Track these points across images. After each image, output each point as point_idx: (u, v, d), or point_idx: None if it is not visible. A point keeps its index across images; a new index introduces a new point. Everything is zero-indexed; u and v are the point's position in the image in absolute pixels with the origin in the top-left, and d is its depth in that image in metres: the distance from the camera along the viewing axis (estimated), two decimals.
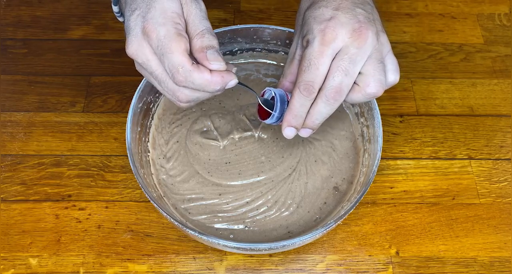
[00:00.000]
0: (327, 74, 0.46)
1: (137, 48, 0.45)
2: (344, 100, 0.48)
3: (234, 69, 0.48)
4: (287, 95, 0.50)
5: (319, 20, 0.47)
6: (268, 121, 0.51)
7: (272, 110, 0.50)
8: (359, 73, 0.47)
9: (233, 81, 0.46)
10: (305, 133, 0.51)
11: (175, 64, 0.44)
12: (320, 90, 0.47)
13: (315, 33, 0.46)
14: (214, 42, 0.46)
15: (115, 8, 0.51)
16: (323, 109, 0.48)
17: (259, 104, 0.52)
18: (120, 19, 0.52)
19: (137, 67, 0.48)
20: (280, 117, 0.50)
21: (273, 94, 0.50)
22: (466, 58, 0.75)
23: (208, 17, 0.47)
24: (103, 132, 0.67)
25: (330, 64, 0.46)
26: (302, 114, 0.48)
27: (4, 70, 0.72)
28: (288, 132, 0.50)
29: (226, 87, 0.46)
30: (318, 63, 0.46)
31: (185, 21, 0.46)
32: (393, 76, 0.49)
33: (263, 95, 0.52)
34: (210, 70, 0.45)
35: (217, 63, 0.45)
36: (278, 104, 0.50)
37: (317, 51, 0.46)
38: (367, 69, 0.47)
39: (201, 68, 0.44)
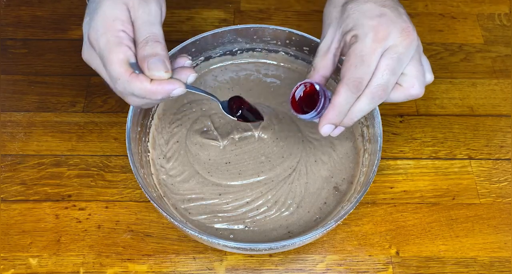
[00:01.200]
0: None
1: (88, 55, 0.46)
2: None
3: (188, 63, 0.47)
4: (325, 91, 0.48)
5: (369, 16, 0.46)
6: (306, 116, 0.48)
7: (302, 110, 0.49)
8: (401, 73, 0.47)
9: (178, 90, 0.45)
10: (338, 131, 0.49)
11: (113, 76, 0.44)
12: (365, 88, 0.46)
13: (366, 29, 0.46)
14: (158, 49, 0.44)
15: None
16: (366, 107, 0.47)
17: (293, 97, 0.49)
18: None
19: None
20: (318, 114, 0.48)
21: (317, 89, 0.48)
22: (466, 58, 0.75)
23: (160, 20, 0.47)
24: (103, 132, 0.67)
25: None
26: (345, 112, 0.47)
27: (4, 70, 0.72)
28: (327, 129, 0.48)
29: (172, 96, 0.45)
30: (369, 61, 0.45)
31: (134, 26, 0.45)
32: (429, 75, 0.49)
33: (296, 89, 0.49)
34: (152, 80, 0.44)
35: (157, 72, 0.44)
36: (322, 100, 0.47)
37: (369, 48, 0.45)
38: (410, 70, 0.47)
39: (141, 77, 0.44)
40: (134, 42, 0.45)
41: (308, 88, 0.49)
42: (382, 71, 0.45)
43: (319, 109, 0.48)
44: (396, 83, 0.47)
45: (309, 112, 0.48)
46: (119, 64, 0.43)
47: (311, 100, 0.48)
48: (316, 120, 0.49)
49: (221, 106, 0.53)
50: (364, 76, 0.45)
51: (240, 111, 0.54)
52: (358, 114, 0.47)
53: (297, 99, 0.49)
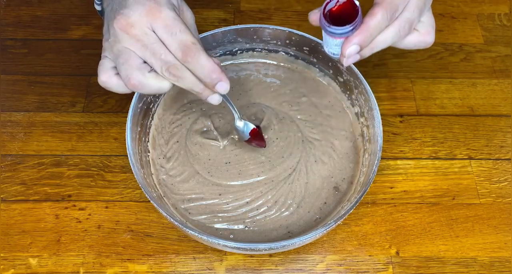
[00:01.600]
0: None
1: (132, 22, 0.46)
2: (395, 43, 0.49)
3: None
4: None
5: None
6: (338, 30, 0.47)
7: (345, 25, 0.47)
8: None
9: (225, 83, 0.48)
10: (352, 60, 0.49)
11: (188, 41, 0.46)
12: (395, 19, 0.47)
13: None
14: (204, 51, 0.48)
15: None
16: (389, 39, 0.48)
17: (324, 10, 0.48)
18: (98, 7, 0.53)
19: (113, 39, 0.48)
20: (347, 32, 0.47)
21: (357, 4, 0.46)
22: (466, 58, 0.75)
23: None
24: (103, 132, 0.67)
25: None
26: (374, 36, 0.48)
27: (4, 70, 0.72)
28: (353, 49, 0.48)
29: (217, 88, 0.48)
30: None
31: None
32: None
33: (327, 4, 0.48)
34: None
35: (216, 59, 0.48)
36: (360, 17, 0.47)
37: None
38: (427, 18, 0.49)
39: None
40: None
41: (336, 6, 0.48)
42: (413, 8, 0.47)
43: (355, 25, 0.47)
44: (414, 28, 0.49)
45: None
46: (191, 33, 0.46)
47: (339, 19, 0.47)
48: (340, 39, 0.48)
49: (236, 123, 0.57)
50: (400, 5, 0.47)
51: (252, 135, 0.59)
52: (380, 45, 0.48)
53: (324, 14, 0.48)
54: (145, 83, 0.47)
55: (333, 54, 0.50)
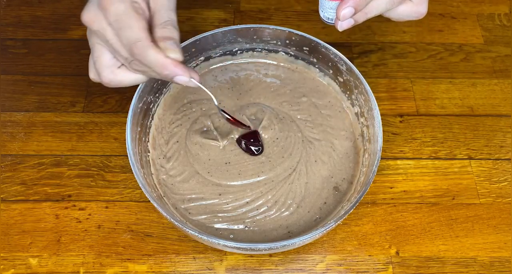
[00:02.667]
0: None
1: (93, 17, 0.45)
2: (388, 13, 0.51)
3: (196, 77, 0.48)
4: None
5: None
6: None
7: None
8: None
9: (182, 77, 0.46)
10: (346, 24, 0.51)
11: (132, 39, 0.44)
12: None
13: None
14: (175, 34, 0.46)
15: None
16: (382, 5, 0.50)
17: None
18: None
19: (88, 33, 0.47)
20: None
21: None
22: (466, 58, 0.75)
23: (176, 9, 0.48)
24: (103, 132, 0.67)
25: None
26: (368, 1, 0.49)
27: (4, 70, 0.72)
28: (347, 11, 0.49)
29: (176, 80, 0.46)
30: None
31: (151, 9, 0.46)
32: None
33: None
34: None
35: (173, 54, 0.45)
36: None
37: None
38: None
39: (159, 49, 0.45)
40: (149, 22, 0.46)
41: None
42: None
43: None
44: None
45: None
46: (140, 29, 0.44)
47: None
48: (335, 2, 0.50)
49: (217, 107, 0.54)
50: None
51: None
52: (373, 11, 0.50)
53: None
54: (116, 80, 0.47)
55: (328, 19, 0.52)
